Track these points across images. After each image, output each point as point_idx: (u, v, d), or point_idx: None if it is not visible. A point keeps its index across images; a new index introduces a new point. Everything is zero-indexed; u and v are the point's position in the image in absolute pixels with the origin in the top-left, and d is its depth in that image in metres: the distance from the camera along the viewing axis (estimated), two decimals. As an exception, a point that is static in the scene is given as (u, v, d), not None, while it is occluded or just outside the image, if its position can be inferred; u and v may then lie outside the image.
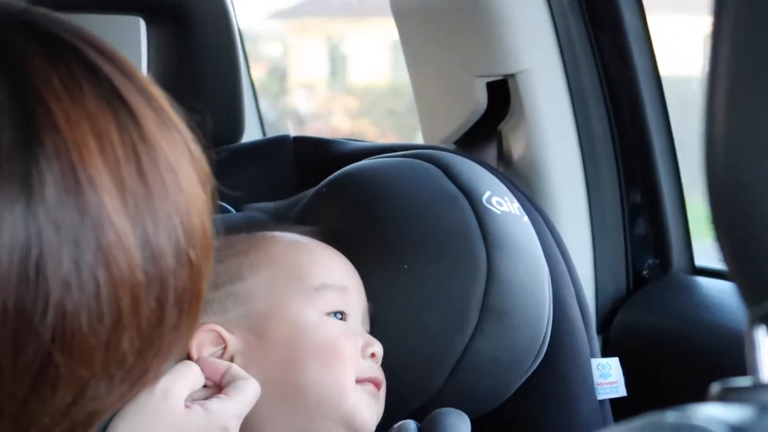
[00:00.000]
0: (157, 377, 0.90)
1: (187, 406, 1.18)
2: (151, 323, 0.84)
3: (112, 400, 0.87)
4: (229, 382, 1.24)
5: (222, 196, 1.67)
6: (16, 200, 0.77)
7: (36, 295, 0.78)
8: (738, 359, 0.82)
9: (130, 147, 0.83)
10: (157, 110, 0.88)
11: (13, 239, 0.77)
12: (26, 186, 0.78)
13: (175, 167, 0.86)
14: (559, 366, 1.51)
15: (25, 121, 0.79)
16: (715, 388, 0.73)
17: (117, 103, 0.84)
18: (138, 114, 0.85)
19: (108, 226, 0.80)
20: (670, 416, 0.66)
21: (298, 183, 1.74)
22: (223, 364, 1.26)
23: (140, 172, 0.83)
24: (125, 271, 0.81)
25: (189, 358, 1.29)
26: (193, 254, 0.86)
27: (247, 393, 1.23)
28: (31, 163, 0.78)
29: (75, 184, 0.79)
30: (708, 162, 0.72)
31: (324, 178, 1.59)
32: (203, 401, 1.20)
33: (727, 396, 0.71)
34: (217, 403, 1.20)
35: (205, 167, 0.91)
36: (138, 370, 0.87)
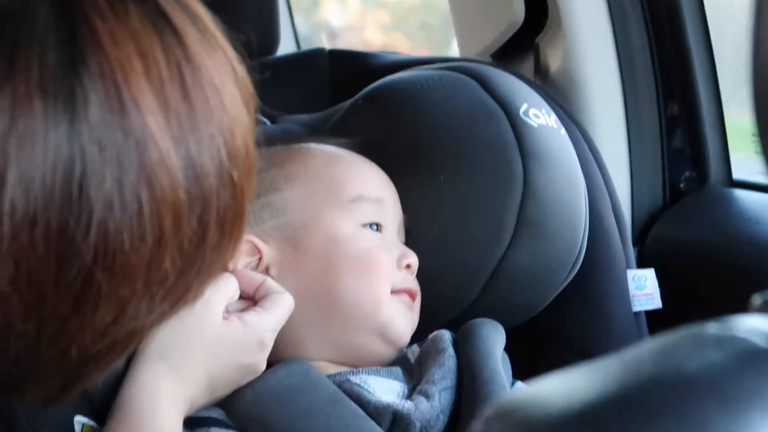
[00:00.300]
0: (197, 297, 0.90)
1: (224, 318, 1.19)
2: (193, 243, 0.85)
3: (153, 319, 0.88)
4: (264, 296, 1.25)
5: (258, 109, 1.69)
6: (61, 119, 0.77)
7: (79, 214, 0.78)
8: (776, 272, 0.82)
9: (174, 67, 0.83)
10: (202, 30, 0.87)
11: (56, 158, 0.77)
12: (70, 105, 0.78)
13: (219, 87, 0.86)
14: (594, 278, 1.51)
15: (69, 40, 0.79)
16: (756, 300, 0.72)
17: (162, 22, 0.84)
18: (182, 33, 0.85)
19: (151, 145, 0.81)
20: (711, 327, 0.65)
21: (334, 95, 1.73)
22: (259, 276, 1.27)
23: (184, 92, 0.83)
24: (168, 191, 0.82)
25: (224, 269, 1.30)
26: (235, 174, 0.87)
27: (282, 307, 1.24)
28: (76, 83, 0.78)
29: (119, 103, 0.79)
30: (755, 73, 0.71)
31: (359, 91, 1.58)
32: (240, 314, 1.21)
33: (769, 307, 0.71)
34: (254, 316, 1.21)
35: (249, 87, 0.91)
36: (179, 289, 0.87)
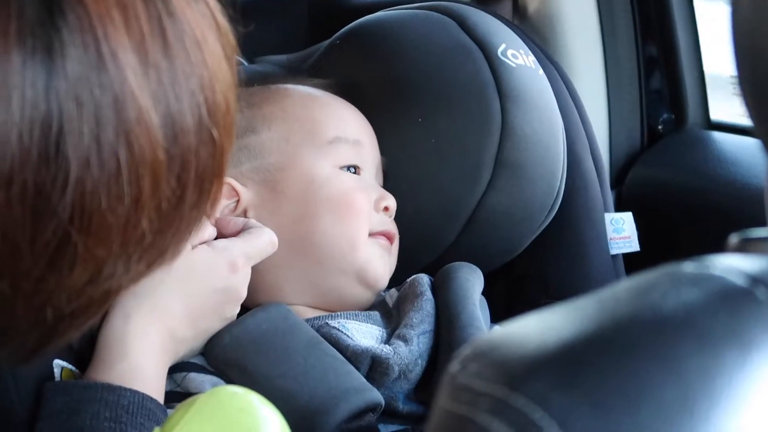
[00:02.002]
0: (174, 256, 0.89)
1: (193, 248, 1.19)
2: (172, 203, 0.84)
3: (129, 279, 0.87)
4: (244, 230, 1.25)
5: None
6: (39, 74, 0.76)
7: (56, 172, 0.77)
8: (753, 214, 0.82)
9: (155, 20, 0.81)
10: None
11: (33, 115, 0.76)
12: (48, 60, 0.76)
13: (200, 41, 0.83)
14: (572, 220, 1.51)
15: None
16: (733, 239, 0.72)
17: None
18: None
19: (130, 102, 0.79)
20: (688, 266, 0.65)
21: (312, 36, 1.71)
22: (241, 220, 1.27)
23: (165, 47, 0.81)
24: (147, 149, 0.80)
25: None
26: (215, 132, 0.85)
27: (259, 237, 1.23)
28: (54, 36, 0.76)
29: (98, 58, 0.77)
30: (734, 15, 0.70)
31: (337, 31, 1.57)
32: (210, 242, 1.21)
33: (746, 247, 0.71)
34: (224, 242, 1.21)
35: (231, 40, 0.89)
36: (156, 249, 0.86)
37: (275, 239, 1.24)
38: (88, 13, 0.77)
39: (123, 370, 1.12)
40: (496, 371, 0.64)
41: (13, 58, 0.75)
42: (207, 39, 0.84)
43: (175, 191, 0.83)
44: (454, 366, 0.68)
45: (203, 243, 1.21)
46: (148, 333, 1.15)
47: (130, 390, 1.08)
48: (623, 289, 0.65)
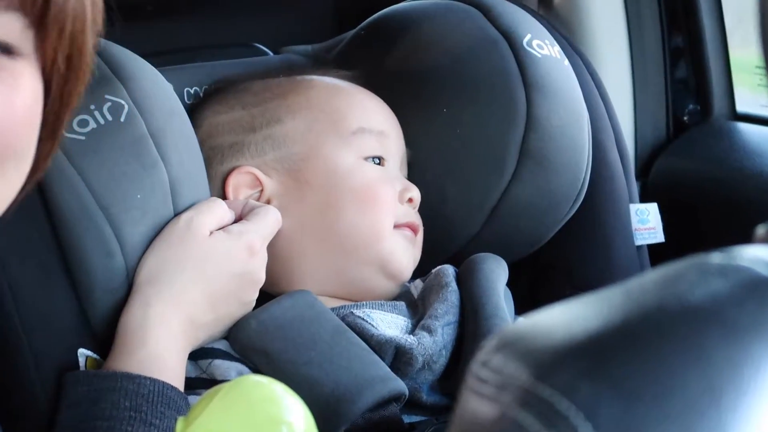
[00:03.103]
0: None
1: (210, 234, 1.20)
2: None
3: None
4: (249, 212, 1.25)
5: (260, 39, 1.68)
6: None
7: None
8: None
9: None
10: None
11: None
12: None
13: None
14: (597, 211, 1.50)
15: None
16: (760, 230, 0.72)
17: None
18: None
19: None
20: (715, 257, 0.65)
21: (337, 26, 1.72)
22: (240, 201, 1.28)
23: None
24: None
25: (225, 199, 1.30)
26: None
27: (266, 217, 1.24)
28: None
29: None
30: (762, 6, 0.70)
31: (362, 21, 1.56)
32: (225, 227, 1.22)
33: (773, 238, 0.70)
34: (237, 226, 1.22)
35: None
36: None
37: (279, 216, 1.25)
38: None
39: (142, 358, 1.13)
40: (522, 361, 0.64)
41: None
42: None
43: None
44: (479, 356, 0.68)
45: (219, 229, 1.21)
46: (168, 320, 1.15)
47: (150, 379, 1.09)
48: (650, 279, 0.65)
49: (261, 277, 1.23)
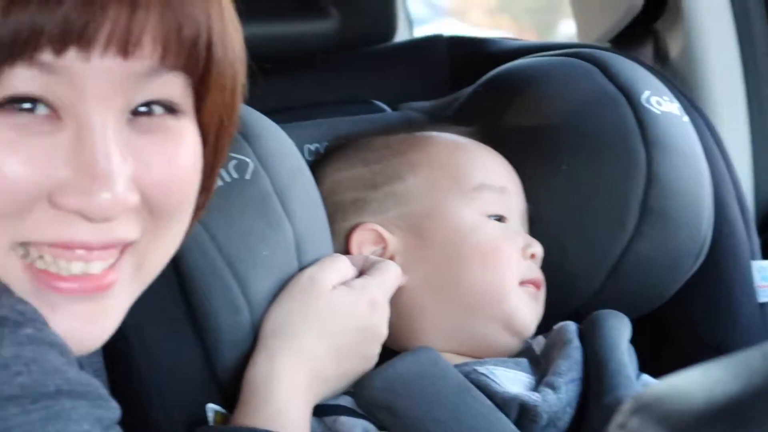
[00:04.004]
0: None
1: (333, 288, 1.21)
2: None
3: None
4: (369, 267, 1.26)
5: (377, 96, 1.69)
6: None
7: None
8: None
9: None
10: None
11: None
12: None
13: None
14: (719, 268, 1.49)
15: None
16: None
17: None
18: None
19: None
20: None
21: (453, 82, 1.72)
22: (363, 255, 1.29)
23: None
24: None
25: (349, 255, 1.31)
26: None
27: (387, 272, 1.26)
28: None
29: None
30: None
31: (480, 78, 1.57)
32: (346, 282, 1.23)
33: None
34: (359, 281, 1.24)
35: None
36: None
37: (400, 271, 1.27)
38: None
39: (268, 413, 1.14)
40: (661, 425, 0.63)
41: None
42: None
43: None
44: (616, 419, 0.68)
45: (342, 284, 1.23)
46: (293, 373, 1.16)
47: None
48: (795, 343, 0.64)
49: (383, 332, 1.23)
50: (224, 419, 1.18)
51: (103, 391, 0.84)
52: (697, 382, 0.65)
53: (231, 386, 1.19)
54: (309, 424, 1.17)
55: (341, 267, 1.25)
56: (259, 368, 1.17)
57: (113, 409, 0.85)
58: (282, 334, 1.18)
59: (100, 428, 0.82)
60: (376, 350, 1.24)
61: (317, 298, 1.20)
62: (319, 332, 1.19)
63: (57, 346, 0.82)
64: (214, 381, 1.20)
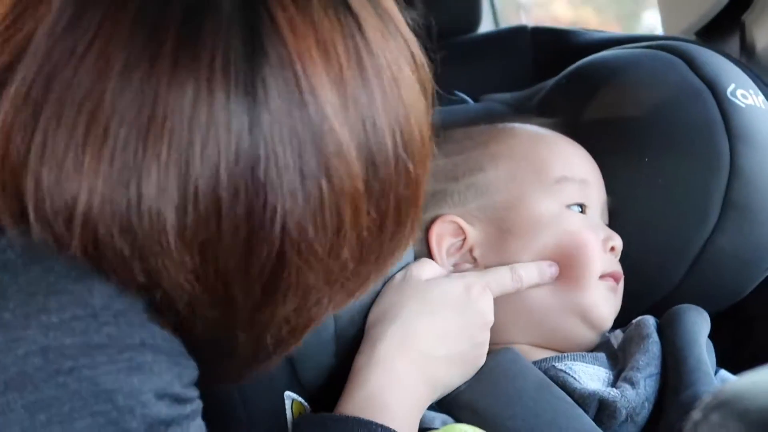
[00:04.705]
0: (372, 284, 0.93)
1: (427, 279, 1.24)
2: (372, 232, 0.87)
3: (331, 308, 0.90)
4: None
5: (460, 87, 1.69)
6: (242, 109, 0.79)
7: (263, 204, 0.80)
8: None
9: (354, 56, 0.84)
10: (381, 14, 0.87)
11: (239, 147, 0.79)
12: (252, 95, 0.79)
13: (397, 75, 0.86)
14: (801, 263, 1.47)
15: (251, 31, 0.80)
16: None
17: (342, 9, 0.85)
18: (362, 20, 0.85)
19: (330, 137, 0.82)
20: None
21: (536, 74, 1.72)
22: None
23: (364, 82, 0.84)
24: (346, 181, 0.83)
25: (428, 247, 1.31)
26: (411, 164, 0.88)
27: (498, 272, 1.27)
28: (257, 72, 0.80)
29: (298, 94, 0.80)
30: None
31: (562, 69, 1.57)
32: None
33: None
34: (470, 272, 1.26)
35: (427, 74, 0.91)
36: (358, 277, 0.90)
37: (522, 275, 1.27)
38: (289, 51, 0.80)
39: (361, 397, 1.14)
40: (741, 421, 0.63)
41: (217, 93, 0.79)
42: (403, 73, 0.87)
43: (375, 221, 0.87)
44: (695, 414, 0.68)
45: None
46: (393, 360, 1.16)
47: (381, 426, 1.10)
48: None
49: (489, 318, 1.23)
50: (302, 408, 1.18)
51: (183, 349, 0.86)
52: (778, 379, 0.65)
53: (311, 383, 1.21)
54: (418, 409, 1.17)
55: (431, 265, 1.27)
56: (361, 355, 1.18)
57: (192, 368, 0.87)
58: (383, 320, 1.19)
59: (179, 384, 0.85)
60: (483, 336, 1.23)
61: (414, 287, 1.22)
62: (418, 310, 1.19)
63: (142, 302, 0.84)
64: (295, 375, 1.21)
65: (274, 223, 0.81)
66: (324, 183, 0.82)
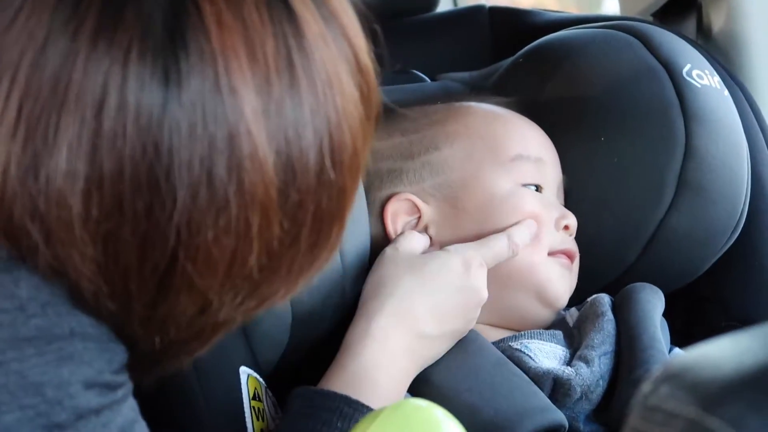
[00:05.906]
0: (287, 295, 0.88)
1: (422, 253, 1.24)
2: (284, 243, 0.83)
3: (240, 313, 0.86)
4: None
5: (417, 66, 1.69)
6: (155, 99, 0.76)
7: (164, 199, 0.77)
8: None
9: (284, 59, 0.80)
10: (326, 17, 0.83)
11: (146, 138, 0.76)
12: (165, 86, 0.76)
13: (332, 81, 0.82)
14: (754, 243, 1.48)
15: (174, 19, 0.77)
16: None
17: (279, 10, 0.81)
18: (301, 22, 0.81)
19: (245, 139, 0.78)
20: None
21: (494, 53, 1.72)
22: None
23: (292, 86, 0.80)
24: (258, 187, 0.79)
25: (383, 225, 1.31)
26: (337, 174, 0.83)
27: (494, 241, 1.26)
28: (173, 63, 0.77)
29: (216, 91, 0.77)
30: None
31: (520, 49, 1.57)
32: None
33: None
34: (457, 245, 1.25)
35: (371, 82, 0.87)
36: (268, 286, 0.85)
37: (518, 241, 1.27)
38: (211, 45, 0.77)
39: (354, 369, 1.14)
40: (690, 393, 0.64)
41: (130, 79, 0.76)
42: (341, 78, 0.82)
43: (289, 231, 0.82)
44: (645, 387, 0.68)
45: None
46: (388, 334, 1.16)
47: (367, 407, 1.09)
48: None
49: (483, 295, 1.23)
50: (256, 384, 1.18)
51: (112, 334, 0.84)
52: (727, 352, 0.66)
53: (266, 361, 1.21)
54: (404, 385, 1.17)
55: (419, 237, 1.28)
56: (357, 328, 1.17)
57: (121, 351, 0.85)
58: (379, 294, 1.19)
59: (109, 371, 0.83)
60: (476, 313, 1.24)
61: (407, 260, 1.22)
62: (415, 287, 1.19)
63: (66, 288, 0.82)
64: (251, 352, 1.21)
65: (171, 221, 0.78)
66: (232, 186, 0.78)
